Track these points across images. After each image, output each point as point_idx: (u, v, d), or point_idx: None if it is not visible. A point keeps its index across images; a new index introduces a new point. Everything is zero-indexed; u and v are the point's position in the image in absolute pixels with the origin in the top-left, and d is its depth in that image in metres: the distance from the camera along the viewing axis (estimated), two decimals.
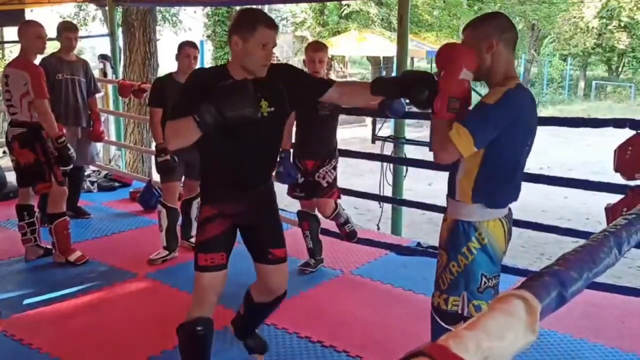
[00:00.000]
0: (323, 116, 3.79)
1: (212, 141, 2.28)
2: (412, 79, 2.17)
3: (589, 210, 7.35)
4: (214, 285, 2.41)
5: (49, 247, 4.18)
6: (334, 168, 3.94)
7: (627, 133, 3.18)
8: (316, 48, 3.81)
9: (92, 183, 6.27)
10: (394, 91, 2.34)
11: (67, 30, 4.74)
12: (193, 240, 4.46)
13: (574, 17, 23.79)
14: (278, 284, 2.60)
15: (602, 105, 22.92)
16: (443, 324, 2.16)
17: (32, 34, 3.91)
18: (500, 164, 2.04)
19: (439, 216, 4.98)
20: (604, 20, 23.86)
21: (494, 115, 1.96)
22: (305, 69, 3.85)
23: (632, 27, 24.27)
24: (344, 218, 4.08)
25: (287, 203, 4.60)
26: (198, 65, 4.23)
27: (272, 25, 2.29)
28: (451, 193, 2.15)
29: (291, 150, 4.00)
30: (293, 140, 3.98)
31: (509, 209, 2.18)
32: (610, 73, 29.62)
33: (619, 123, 3.21)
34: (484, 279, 2.09)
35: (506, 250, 2.18)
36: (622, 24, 23.97)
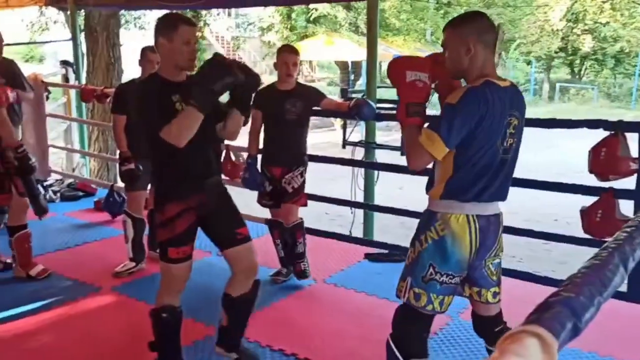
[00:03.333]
0: (290, 121, 3.70)
1: None
2: None
3: (557, 212, 7.41)
4: (184, 274, 2.61)
5: (9, 260, 4.00)
6: (301, 174, 3.83)
7: (593, 134, 3.17)
8: (290, 51, 3.74)
9: (55, 193, 6.07)
10: None
11: None
12: None
13: (540, 20, 24.19)
14: (252, 261, 2.71)
15: (566, 107, 23.36)
16: (400, 316, 2.24)
17: None
18: (469, 161, 2.05)
19: (411, 220, 4.95)
20: (570, 23, 24.32)
21: (458, 114, 1.99)
22: (276, 72, 3.77)
23: (595, 30, 24.79)
24: (301, 250, 3.87)
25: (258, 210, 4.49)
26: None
27: (192, 23, 2.55)
28: (428, 188, 2.20)
29: (258, 157, 3.90)
30: (260, 146, 3.88)
31: (497, 214, 2.16)
32: (573, 75, 30.22)
33: (592, 124, 3.20)
34: (431, 269, 2.10)
35: (476, 255, 2.13)
36: (587, 27, 24.47)
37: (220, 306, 2.79)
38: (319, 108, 3.91)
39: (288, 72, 3.67)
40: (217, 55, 2.44)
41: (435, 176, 2.16)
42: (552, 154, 11.85)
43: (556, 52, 26.39)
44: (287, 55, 3.68)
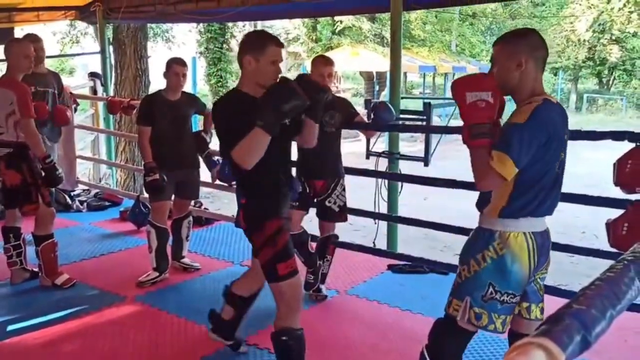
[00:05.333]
0: (328, 133, 3.63)
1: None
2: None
3: (585, 224, 7.28)
4: (296, 290, 2.56)
5: (36, 270, 4.07)
6: (344, 190, 3.82)
7: (623, 146, 3.12)
8: (325, 62, 3.69)
9: (82, 203, 6.16)
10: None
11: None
12: (184, 260, 4.39)
13: (566, 31, 23.95)
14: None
15: (594, 118, 22.99)
16: (440, 329, 2.22)
17: (18, 52, 3.82)
18: (531, 180, 2.02)
19: (435, 232, 4.90)
20: (596, 34, 24.02)
21: (527, 134, 1.95)
22: None
23: (623, 40, 24.43)
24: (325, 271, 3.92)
25: None
26: (188, 83, 4.16)
27: (280, 44, 2.53)
28: (481, 206, 2.16)
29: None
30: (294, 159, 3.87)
31: (547, 229, 2.14)
32: (601, 86, 29.80)
33: (617, 136, 3.14)
34: (490, 289, 2.06)
35: (533, 272, 2.10)
36: (614, 37, 24.13)
37: (226, 303, 3.00)
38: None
39: (324, 84, 3.65)
40: (283, 78, 2.42)
41: (493, 194, 2.11)
42: (582, 165, 11.68)
43: (583, 62, 26.06)
44: (322, 67, 3.62)
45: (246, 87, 2.52)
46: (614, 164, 3.00)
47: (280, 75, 2.47)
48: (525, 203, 2.04)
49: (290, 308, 2.53)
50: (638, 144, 3.00)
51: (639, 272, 0.76)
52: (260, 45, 2.47)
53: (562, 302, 2.75)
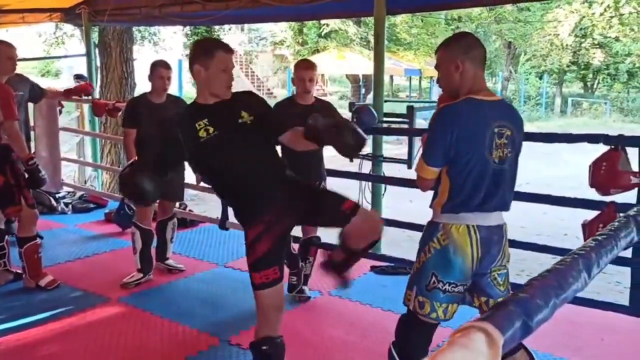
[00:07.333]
0: None
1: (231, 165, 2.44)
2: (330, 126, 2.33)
3: (568, 225, 7.38)
4: (274, 300, 2.46)
5: (19, 271, 4.07)
6: None
7: (603, 148, 3.19)
8: (306, 67, 3.70)
9: (67, 205, 6.16)
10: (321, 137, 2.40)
11: None
12: (169, 262, 4.41)
13: (549, 35, 24.18)
14: (375, 223, 2.61)
15: (578, 122, 23.25)
16: (403, 323, 2.32)
17: (3, 54, 3.83)
18: (460, 173, 2.14)
19: (419, 234, 4.95)
20: (578, 38, 24.28)
21: (432, 135, 2.18)
22: (293, 88, 3.79)
23: (607, 45, 24.72)
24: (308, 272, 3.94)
25: None
26: (174, 85, 4.19)
27: (229, 50, 2.46)
28: (432, 201, 2.28)
29: None
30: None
31: (500, 224, 2.22)
32: (585, 90, 30.13)
33: (593, 138, 3.22)
34: (433, 278, 2.17)
35: (477, 262, 2.17)
36: (596, 42, 24.40)
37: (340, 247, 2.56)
38: None
39: (305, 89, 3.64)
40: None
41: (437, 190, 2.24)
42: (564, 167, 11.83)
43: (568, 66, 26.34)
44: (303, 72, 3.64)
45: (202, 98, 2.50)
46: (589, 166, 3.08)
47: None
48: (465, 198, 2.15)
49: (267, 317, 2.47)
50: (612, 146, 3.07)
51: (587, 266, 0.81)
52: (208, 53, 2.41)
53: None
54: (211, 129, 2.41)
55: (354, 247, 2.50)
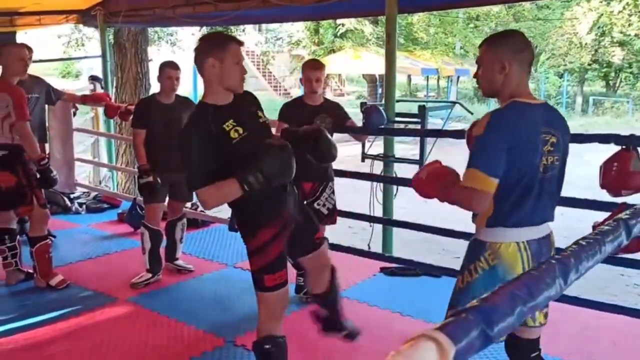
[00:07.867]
0: None
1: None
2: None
3: (586, 227, 7.26)
4: (282, 301, 2.51)
5: (30, 271, 4.11)
6: (333, 192, 3.83)
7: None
8: (313, 67, 3.68)
9: (81, 205, 6.21)
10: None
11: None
12: (178, 262, 4.41)
13: (568, 34, 23.84)
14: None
15: (600, 121, 22.90)
16: None
17: (14, 55, 3.87)
18: (509, 184, 1.97)
19: (433, 236, 4.89)
20: (597, 37, 23.90)
21: (488, 143, 1.95)
22: (302, 88, 3.77)
23: (626, 43, 24.30)
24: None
25: None
26: (190, 86, 4.20)
27: (240, 42, 2.42)
28: (474, 216, 2.13)
29: None
30: None
31: (548, 234, 2.10)
32: (607, 88, 29.67)
33: (604, 139, 3.15)
34: None
35: None
36: (615, 40, 23.99)
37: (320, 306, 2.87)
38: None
39: (311, 89, 3.62)
40: (284, 148, 2.31)
41: None
42: (584, 168, 11.66)
43: (589, 65, 25.95)
44: (310, 72, 3.62)
45: (213, 97, 2.38)
46: (600, 167, 3.00)
47: (283, 142, 2.34)
48: (513, 210, 2.00)
49: (273, 316, 2.48)
50: (624, 146, 3.00)
51: (564, 272, 0.77)
52: (221, 45, 2.34)
53: (555, 305, 2.68)
54: (240, 130, 2.33)
55: (317, 292, 2.73)
